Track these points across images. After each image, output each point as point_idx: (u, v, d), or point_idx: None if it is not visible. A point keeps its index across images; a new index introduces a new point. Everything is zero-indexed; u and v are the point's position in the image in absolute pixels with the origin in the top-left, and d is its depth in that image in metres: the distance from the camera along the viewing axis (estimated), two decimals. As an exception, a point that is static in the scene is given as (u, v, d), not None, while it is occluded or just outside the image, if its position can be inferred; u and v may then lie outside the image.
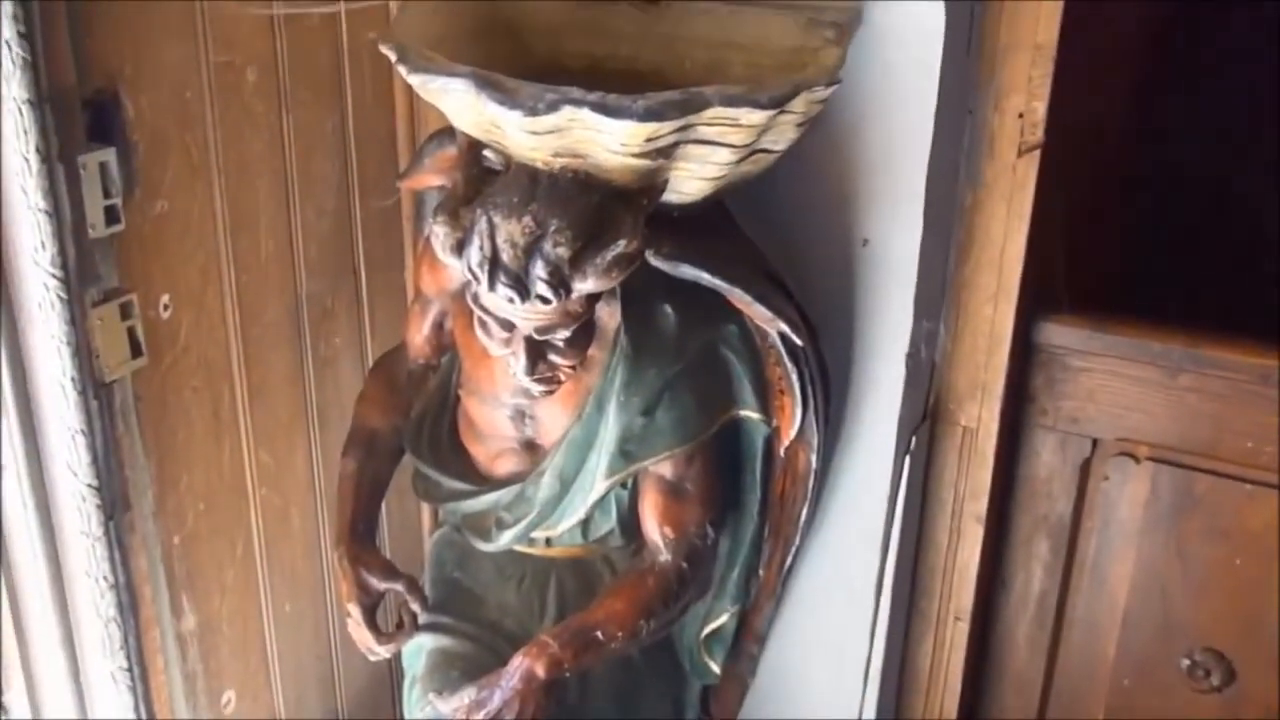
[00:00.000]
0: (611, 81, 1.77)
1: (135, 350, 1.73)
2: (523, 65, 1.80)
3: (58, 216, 1.57)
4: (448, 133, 1.79)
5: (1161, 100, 2.55)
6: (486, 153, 1.66)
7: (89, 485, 1.68)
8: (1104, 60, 2.07)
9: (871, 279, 1.82)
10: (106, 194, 1.65)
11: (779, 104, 1.49)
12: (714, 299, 1.69)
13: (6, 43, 1.48)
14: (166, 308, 1.83)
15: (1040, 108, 1.74)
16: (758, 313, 1.68)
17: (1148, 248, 2.64)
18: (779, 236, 1.81)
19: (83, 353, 1.63)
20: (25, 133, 1.52)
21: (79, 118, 1.61)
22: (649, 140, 1.46)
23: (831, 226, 1.80)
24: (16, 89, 1.50)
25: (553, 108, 1.45)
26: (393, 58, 1.60)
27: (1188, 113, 2.62)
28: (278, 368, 2.06)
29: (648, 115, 1.43)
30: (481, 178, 1.62)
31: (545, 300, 1.51)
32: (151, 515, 1.84)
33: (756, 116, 1.49)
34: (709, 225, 1.71)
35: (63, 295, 1.59)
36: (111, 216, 1.66)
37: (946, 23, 1.66)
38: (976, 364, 1.93)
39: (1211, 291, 2.70)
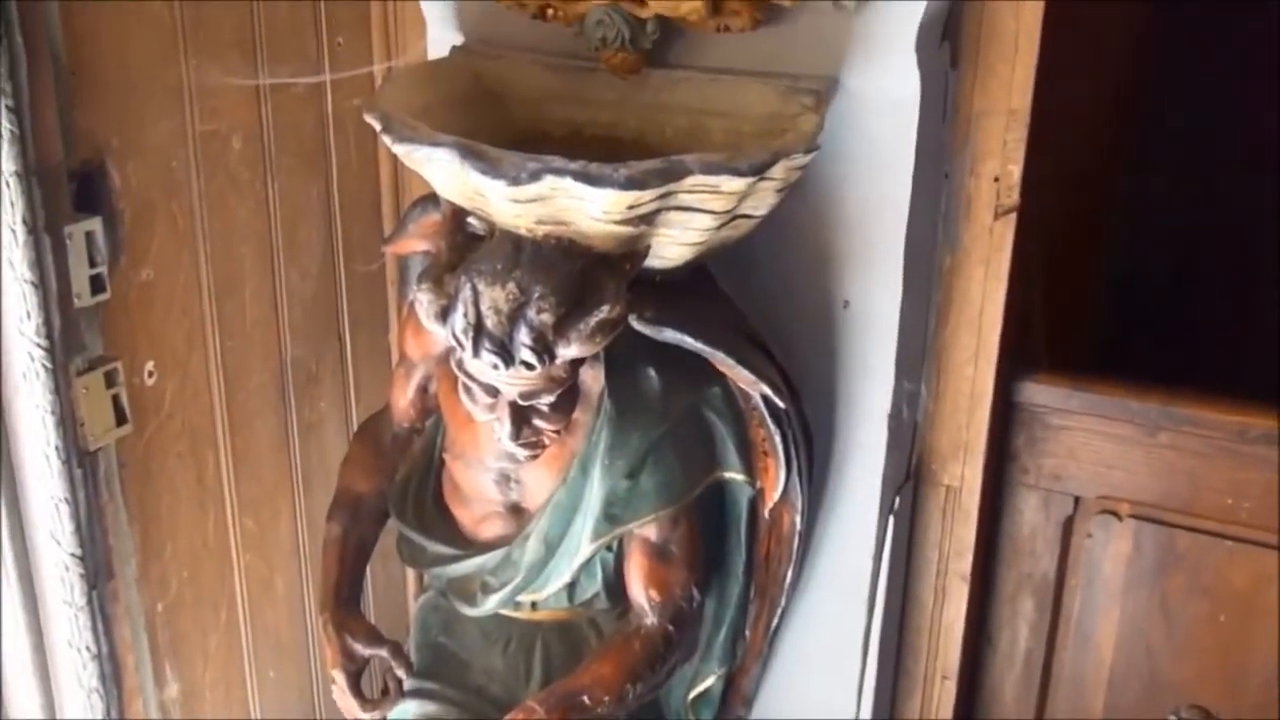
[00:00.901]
0: (593, 147, 1.80)
1: (120, 418, 1.74)
2: (506, 132, 1.83)
3: (43, 287, 1.58)
4: (432, 198, 1.80)
5: (1136, 155, 2.59)
6: (470, 219, 1.67)
7: (72, 554, 1.68)
8: (1078, 122, 2.11)
9: (852, 340, 1.83)
10: (92, 263, 1.66)
11: (759, 171, 1.51)
12: (697, 361, 1.70)
13: (-6, 116, 1.50)
14: (151, 374, 1.83)
15: (1015, 171, 1.77)
16: (740, 375, 1.70)
17: (1127, 298, 2.67)
18: (760, 298, 1.83)
19: (67, 422, 1.64)
20: (12, 205, 1.53)
21: (65, 189, 1.63)
22: (631, 208, 1.48)
23: (812, 289, 1.82)
24: (4, 162, 1.52)
25: (535, 177, 1.47)
26: (377, 127, 1.62)
27: (1161, 165, 2.66)
28: (262, 433, 2.07)
29: (629, 184, 1.45)
30: (465, 244, 1.64)
31: (529, 366, 1.52)
32: (135, 583, 1.83)
33: (737, 184, 1.51)
34: (691, 288, 1.73)
35: (48, 364, 1.60)
36: (97, 285, 1.67)
37: (921, 89, 1.69)
38: (958, 423, 1.94)
39: (1193, 337, 2.74)
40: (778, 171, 1.56)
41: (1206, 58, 2.58)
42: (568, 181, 1.46)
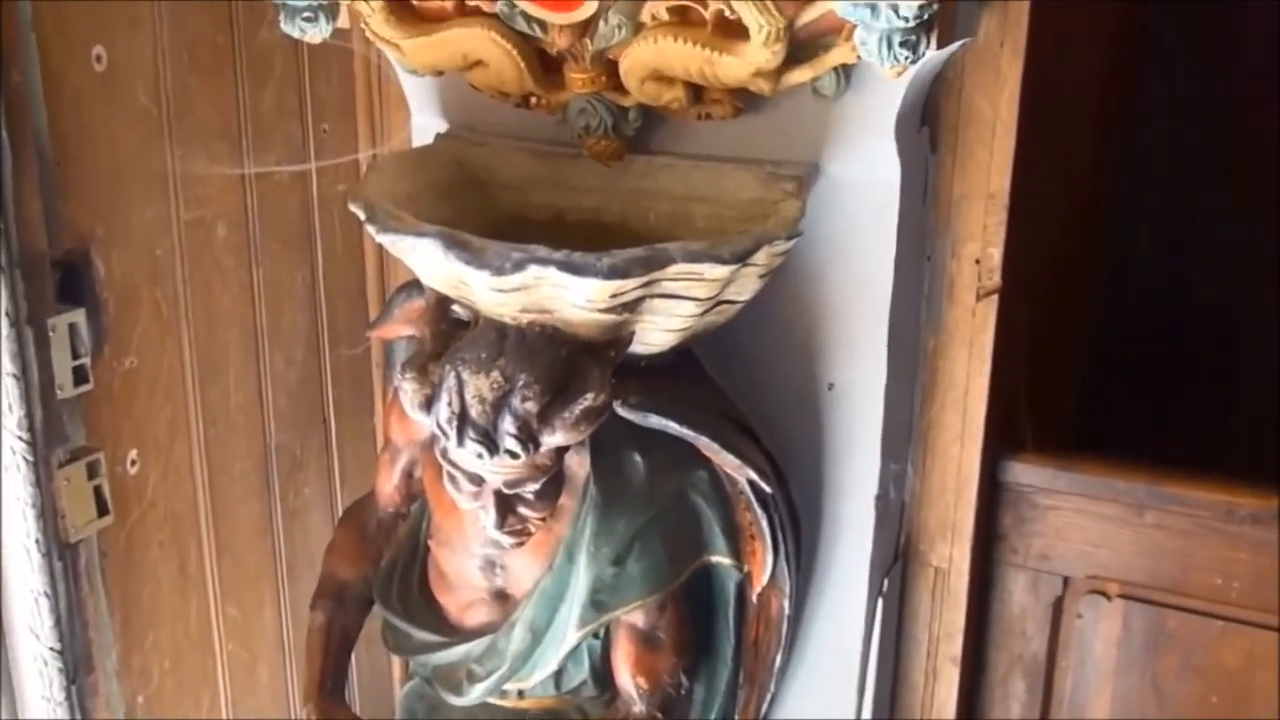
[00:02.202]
0: (577, 233, 1.82)
1: (101, 508, 1.73)
2: (490, 217, 1.84)
3: (26, 379, 1.58)
4: (416, 284, 1.81)
5: (1114, 233, 2.62)
6: (455, 306, 1.68)
7: (51, 649, 1.66)
8: (1058, 203, 2.13)
9: (838, 422, 1.83)
10: (75, 354, 1.66)
11: (742, 259, 1.52)
12: (683, 445, 1.70)
13: (-22, 210, 1.51)
14: (134, 463, 1.82)
15: (996, 254, 1.79)
16: (726, 460, 1.69)
17: (1111, 372, 2.68)
18: (745, 381, 1.83)
19: (48, 514, 1.63)
20: (-4, 297, 1.53)
21: (49, 279, 1.64)
22: (614, 296, 1.49)
23: (797, 371, 1.83)
24: (-12, 254, 1.52)
25: (519, 267, 1.47)
26: (362, 216, 1.63)
27: (1139, 240, 2.70)
28: (246, 520, 2.05)
29: (613, 273, 1.45)
30: (449, 332, 1.64)
31: (514, 455, 1.51)
32: (115, 675, 1.81)
33: (720, 271, 1.52)
34: (676, 373, 1.73)
35: (29, 457, 1.59)
36: (80, 376, 1.67)
37: (902, 174, 1.71)
38: (945, 504, 1.94)
39: (1179, 407, 2.76)
40: (761, 258, 1.56)
41: (1175, 141, 2.64)
42: (551, 271, 1.46)
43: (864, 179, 1.71)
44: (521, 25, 1.67)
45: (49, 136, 1.63)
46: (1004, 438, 1.94)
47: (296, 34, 1.80)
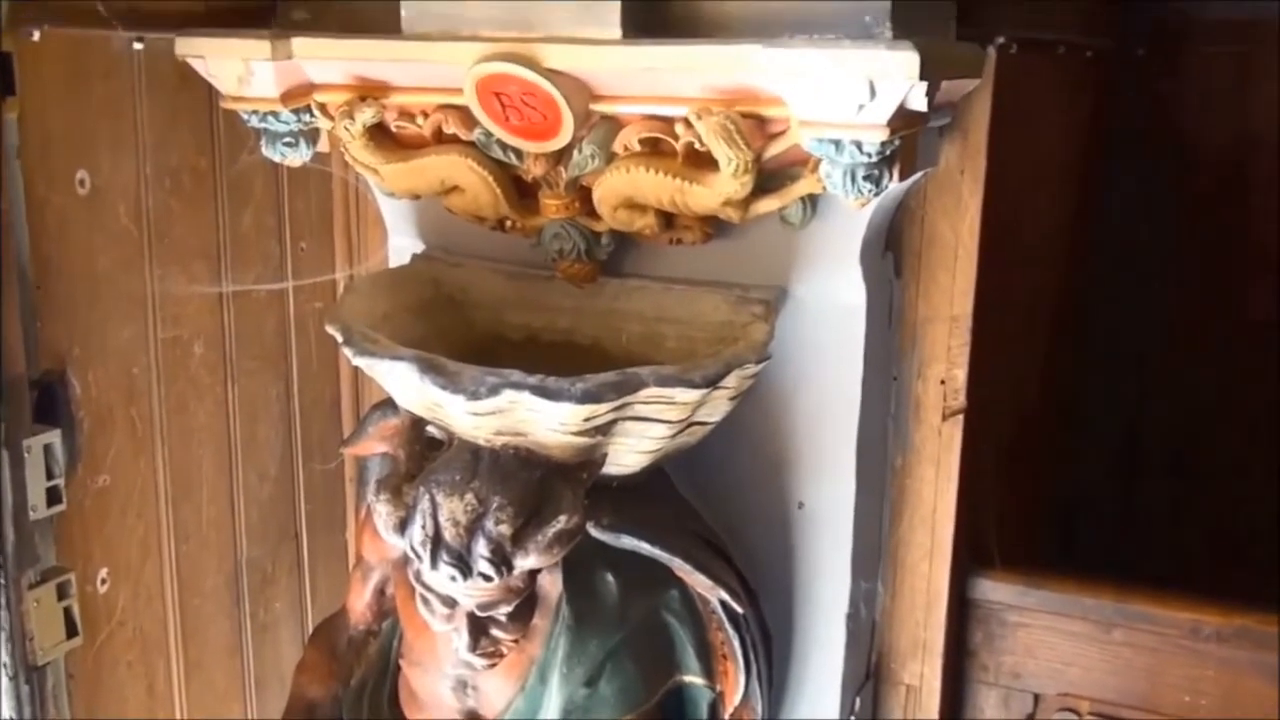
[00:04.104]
0: (550, 353, 1.85)
1: (71, 629, 1.72)
2: (465, 337, 1.87)
3: (-1, 502, 1.58)
4: (390, 403, 1.83)
5: (1082, 346, 2.68)
6: (429, 427, 1.70)
7: (15, 774, 1.64)
8: (1020, 325, 2.18)
9: (808, 541, 1.85)
10: (49, 474, 1.67)
11: (712, 383, 1.55)
12: (655, 564, 1.70)
13: (-42, 345, 1.52)
14: (104, 582, 1.82)
15: (960, 375, 1.83)
16: (698, 581, 1.71)
17: (1077, 488, 2.71)
18: (716, 500, 1.85)
19: (16, 637, 1.62)
20: (-29, 420, 1.54)
21: (26, 401, 1.65)
22: (588, 420, 1.51)
23: (767, 490, 1.85)
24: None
25: (494, 391, 1.50)
26: (339, 339, 1.66)
27: (1102, 355, 2.75)
28: (215, 638, 2.04)
29: (586, 398, 1.48)
30: (424, 453, 1.66)
31: (487, 578, 1.52)
32: (79, 800, 1.78)
33: (691, 395, 1.55)
34: (648, 493, 1.75)
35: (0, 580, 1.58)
36: (53, 497, 1.67)
37: (867, 298, 1.75)
38: (916, 621, 1.95)
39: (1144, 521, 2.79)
40: (731, 381, 1.60)
41: (1128, 262, 2.72)
42: (526, 395, 1.49)
43: (831, 303, 1.75)
44: (498, 153, 1.72)
45: (30, 259, 1.66)
46: (973, 555, 1.96)
47: (278, 159, 1.84)
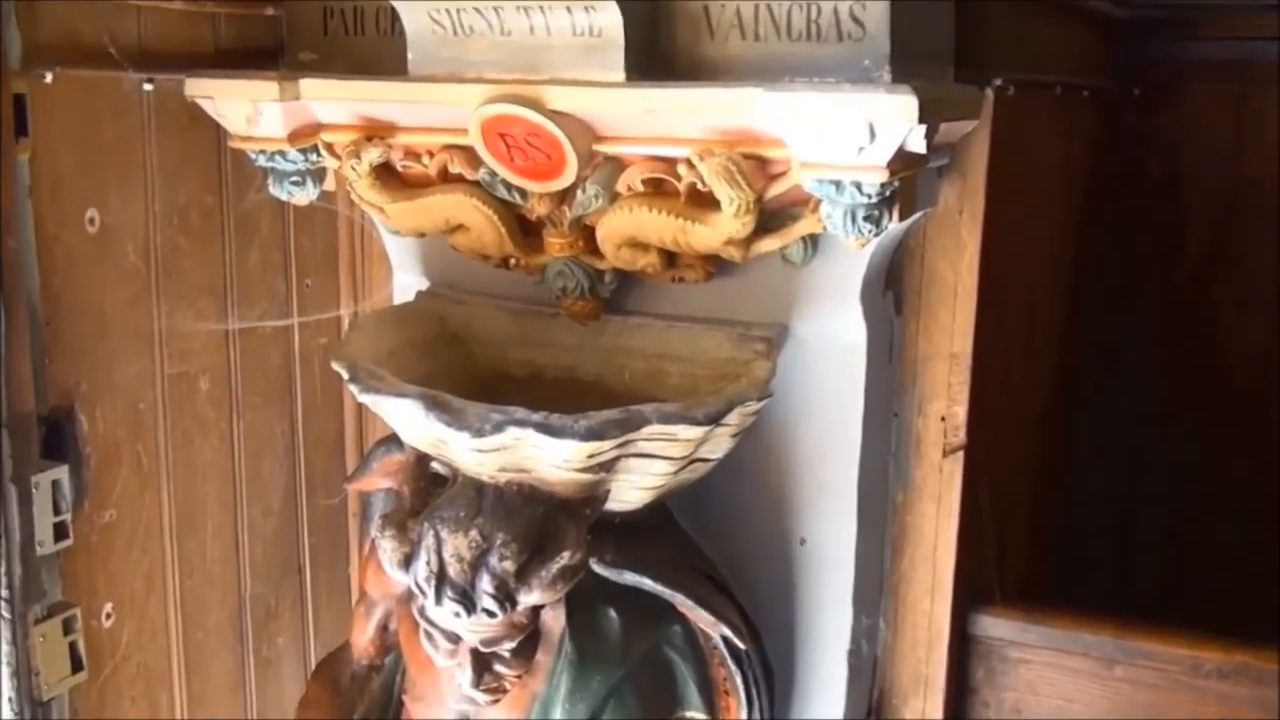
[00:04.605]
0: (554, 389, 1.86)
1: (76, 664, 1.72)
2: (469, 373, 1.89)
3: (6, 537, 1.59)
4: (395, 439, 1.84)
5: (1080, 384, 2.69)
6: (433, 463, 1.71)
7: (18, 810, 1.64)
8: (1019, 362, 2.20)
9: (810, 577, 1.86)
10: (57, 510, 1.68)
11: (714, 420, 1.57)
12: (657, 600, 1.71)
13: (-32, 372, 1.54)
14: (109, 616, 1.83)
15: (960, 412, 1.84)
16: (700, 617, 1.71)
17: (1078, 522, 2.72)
18: (718, 536, 1.85)
19: (22, 672, 1.62)
20: (-20, 457, 1.56)
21: (35, 437, 1.66)
22: (591, 457, 1.53)
23: (769, 526, 1.86)
24: (-24, 417, 1.55)
25: (499, 428, 1.51)
26: (345, 376, 1.67)
27: (1100, 389, 2.77)
28: (218, 673, 2.05)
29: (589, 435, 1.49)
30: (428, 489, 1.67)
31: (491, 614, 1.53)
32: (82, 836, 1.78)
33: (693, 432, 1.56)
34: (650, 529, 1.76)
35: (6, 614, 1.60)
36: (60, 532, 1.68)
37: (868, 335, 1.77)
38: (918, 658, 1.95)
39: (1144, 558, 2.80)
40: (733, 418, 1.61)
41: (1123, 299, 2.74)
42: (530, 433, 1.50)
43: (832, 340, 1.77)
44: (502, 192, 1.74)
45: (40, 296, 1.68)
46: (974, 591, 1.96)
47: (285, 197, 1.87)
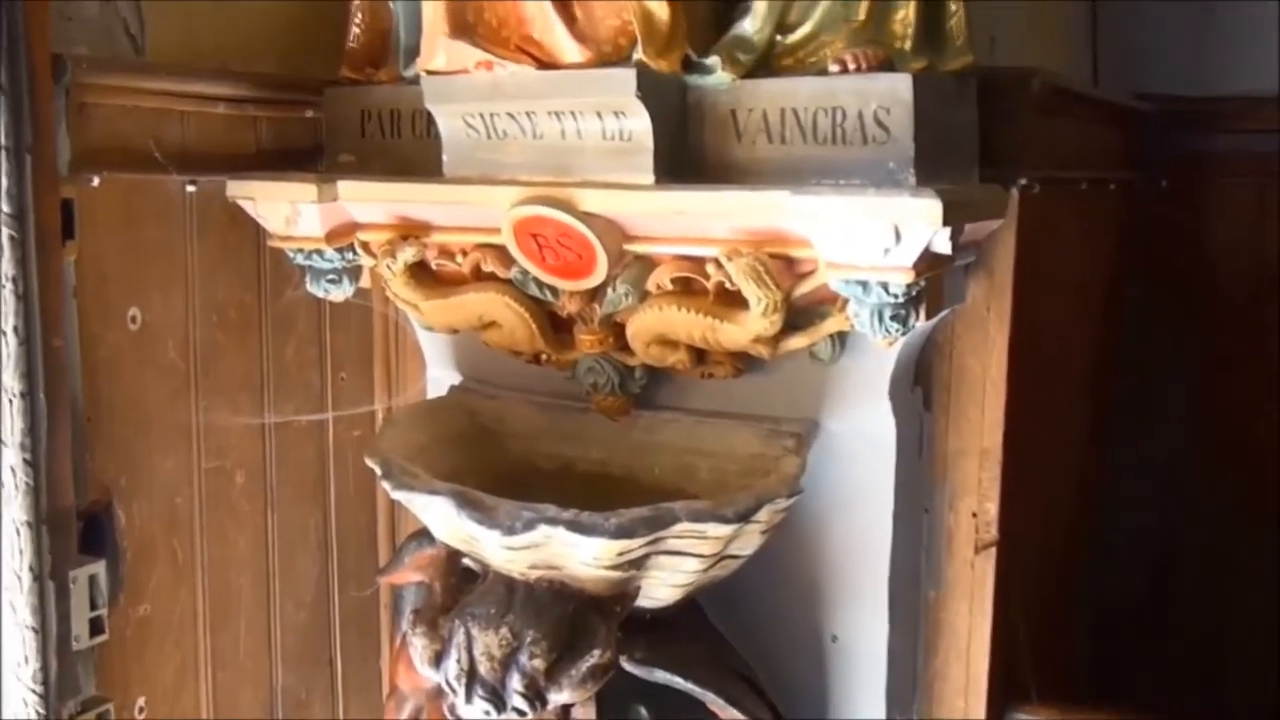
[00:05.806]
0: (584, 483, 1.87)
1: (108, 761, 1.72)
2: (499, 467, 1.90)
3: (44, 632, 1.60)
4: (426, 533, 1.85)
5: (1106, 477, 2.68)
6: (465, 559, 1.72)
7: None
8: (1050, 456, 2.19)
9: (842, 674, 1.85)
10: (93, 604, 1.69)
11: (744, 517, 1.57)
12: (689, 698, 1.70)
13: (11, 468, 1.57)
14: (141, 710, 1.83)
15: (992, 508, 1.84)
16: (732, 716, 1.70)
17: (1109, 617, 2.69)
18: (749, 632, 1.85)
19: (56, 768, 1.63)
20: (20, 552, 1.58)
21: (73, 533, 1.68)
22: (621, 555, 1.53)
23: (800, 623, 1.85)
24: (16, 511, 1.57)
25: (529, 526, 1.52)
26: (378, 473, 1.69)
27: (1132, 480, 2.75)
28: (249, 768, 2.04)
29: (619, 533, 1.50)
30: (459, 585, 1.68)
31: (521, 713, 1.53)
32: None
33: (723, 530, 1.57)
34: (681, 625, 1.76)
35: (41, 710, 1.61)
36: (96, 628, 1.69)
37: (897, 432, 1.77)
38: (952, 757, 1.93)
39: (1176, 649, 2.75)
40: (763, 515, 1.61)
41: (1152, 389, 2.73)
42: (560, 531, 1.51)
43: (861, 436, 1.78)
44: (534, 290, 1.77)
45: (83, 393, 1.71)
46: (1008, 690, 1.94)
47: (321, 294, 1.90)
